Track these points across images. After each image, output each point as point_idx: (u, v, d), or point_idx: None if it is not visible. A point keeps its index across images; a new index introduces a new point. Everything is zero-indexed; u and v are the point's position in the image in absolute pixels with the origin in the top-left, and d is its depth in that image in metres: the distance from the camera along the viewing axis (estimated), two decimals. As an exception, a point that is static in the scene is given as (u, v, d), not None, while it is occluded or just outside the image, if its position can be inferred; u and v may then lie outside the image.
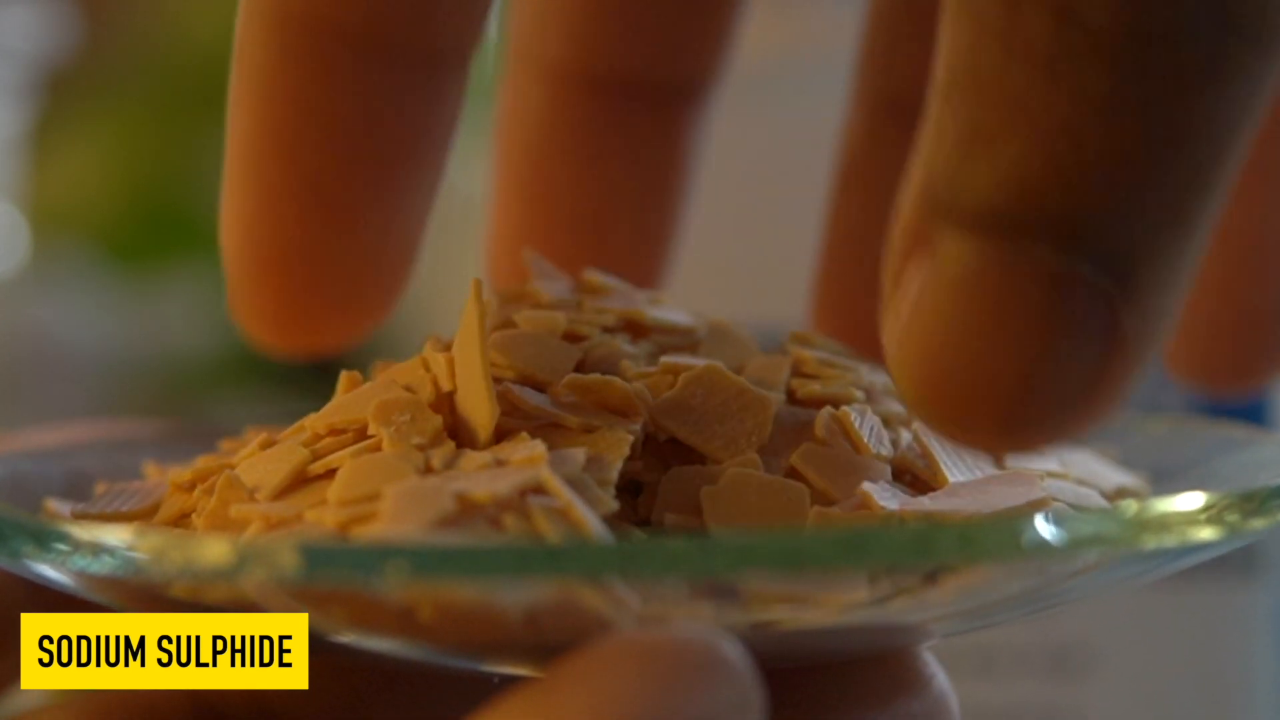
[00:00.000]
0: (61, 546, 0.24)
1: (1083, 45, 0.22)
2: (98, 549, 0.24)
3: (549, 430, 0.27)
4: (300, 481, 0.26)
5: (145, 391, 0.88)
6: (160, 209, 0.95)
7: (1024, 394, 0.24)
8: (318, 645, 0.25)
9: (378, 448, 0.26)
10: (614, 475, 0.25)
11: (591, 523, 0.24)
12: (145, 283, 0.92)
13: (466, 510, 0.24)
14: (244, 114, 0.29)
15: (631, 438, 0.26)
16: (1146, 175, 0.23)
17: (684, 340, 0.30)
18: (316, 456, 0.27)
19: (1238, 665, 0.47)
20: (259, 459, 0.27)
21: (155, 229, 0.95)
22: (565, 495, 0.24)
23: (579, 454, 0.25)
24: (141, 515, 0.28)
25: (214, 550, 0.23)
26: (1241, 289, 0.29)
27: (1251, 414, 0.48)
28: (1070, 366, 0.23)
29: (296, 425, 0.28)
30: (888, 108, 0.33)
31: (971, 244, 0.23)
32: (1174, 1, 0.22)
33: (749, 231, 0.37)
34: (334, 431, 0.27)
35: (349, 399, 0.28)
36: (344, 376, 0.29)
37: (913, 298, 0.24)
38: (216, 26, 0.93)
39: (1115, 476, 0.30)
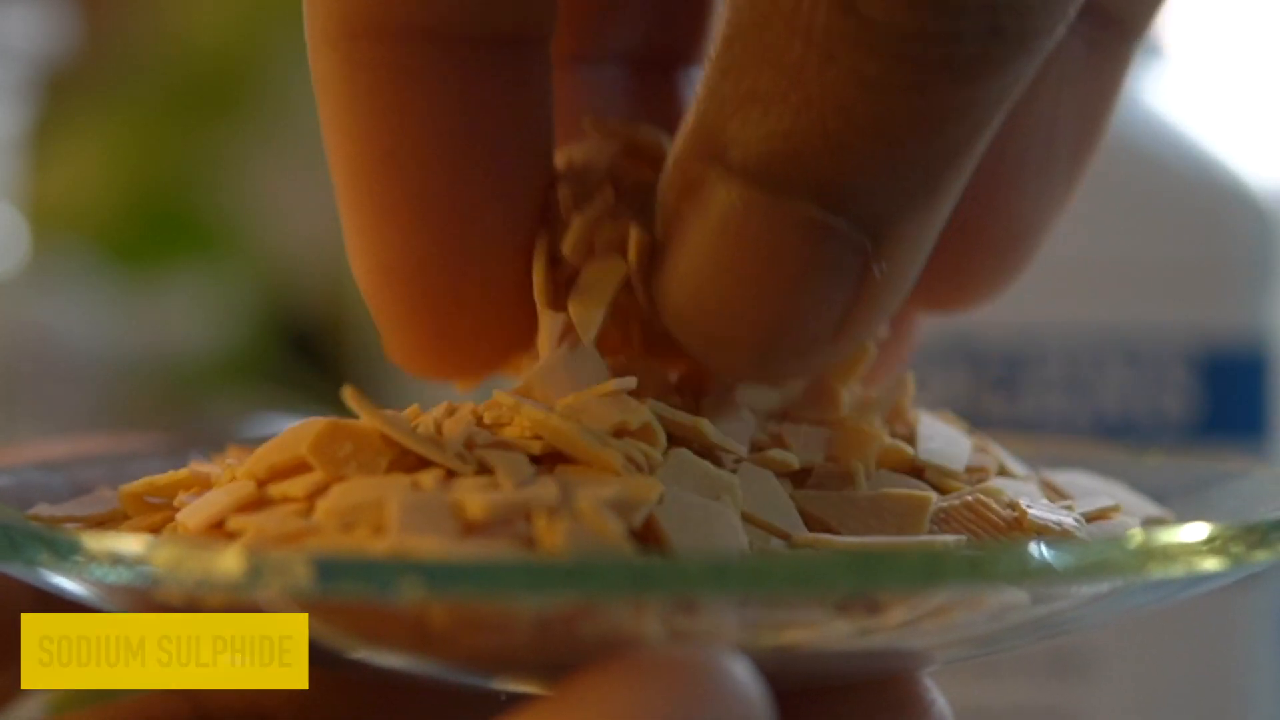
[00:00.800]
0: (77, 557, 0.24)
1: (861, 33, 0.24)
2: (114, 559, 0.24)
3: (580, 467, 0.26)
4: (254, 506, 0.26)
5: (145, 392, 0.88)
6: (160, 209, 0.95)
7: (779, 329, 0.26)
8: (323, 661, 0.25)
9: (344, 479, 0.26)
10: (639, 520, 0.25)
11: (611, 539, 0.24)
12: (145, 283, 0.92)
13: (481, 524, 0.24)
14: (341, 142, 0.28)
15: (661, 488, 0.25)
16: (906, 151, 0.25)
17: None
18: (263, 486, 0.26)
19: (1238, 665, 0.47)
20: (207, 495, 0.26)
21: (155, 229, 0.95)
22: (587, 511, 0.24)
23: (601, 488, 0.25)
24: (106, 520, 0.28)
25: (228, 562, 0.23)
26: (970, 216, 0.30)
27: (1251, 429, 0.48)
28: (822, 307, 0.26)
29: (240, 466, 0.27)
30: None
31: (738, 191, 0.25)
32: (947, 6, 0.24)
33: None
34: (277, 475, 0.26)
35: (284, 439, 0.26)
36: (349, 391, 0.27)
37: (681, 233, 0.26)
38: (216, 27, 0.93)
39: (1147, 509, 0.30)
